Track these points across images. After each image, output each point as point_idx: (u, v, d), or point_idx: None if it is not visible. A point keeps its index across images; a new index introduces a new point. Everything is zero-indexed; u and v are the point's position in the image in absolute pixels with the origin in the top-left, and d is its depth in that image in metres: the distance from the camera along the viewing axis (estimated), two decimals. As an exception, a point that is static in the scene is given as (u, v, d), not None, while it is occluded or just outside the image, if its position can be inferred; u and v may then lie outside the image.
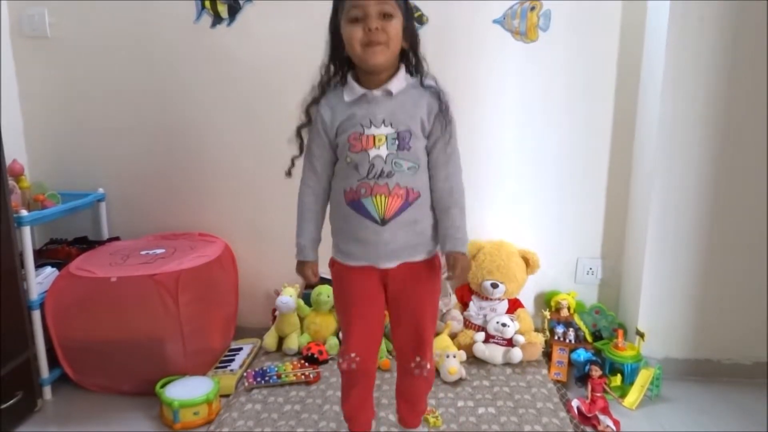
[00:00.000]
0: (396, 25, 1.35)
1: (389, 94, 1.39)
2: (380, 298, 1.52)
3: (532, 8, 2.25)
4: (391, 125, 1.37)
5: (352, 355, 1.52)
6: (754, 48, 2.01)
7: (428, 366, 1.54)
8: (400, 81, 1.40)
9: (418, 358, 1.53)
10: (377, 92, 1.39)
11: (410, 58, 1.44)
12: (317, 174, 1.51)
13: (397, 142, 1.37)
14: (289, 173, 1.55)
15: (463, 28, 2.28)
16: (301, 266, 1.57)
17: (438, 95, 1.41)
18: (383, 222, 1.40)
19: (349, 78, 1.42)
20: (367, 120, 1.38)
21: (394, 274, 1.47)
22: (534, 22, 2.26)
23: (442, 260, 1.50)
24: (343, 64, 1.45)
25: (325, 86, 1.47)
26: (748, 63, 2.02)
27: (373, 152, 1.38)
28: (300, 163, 1.55)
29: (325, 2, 2.24)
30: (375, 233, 1.41)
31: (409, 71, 1.45)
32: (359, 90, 1.40)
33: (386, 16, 1.33)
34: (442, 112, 1.41)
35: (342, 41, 1.39)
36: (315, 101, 1.47)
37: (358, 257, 1.47)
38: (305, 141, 1.51)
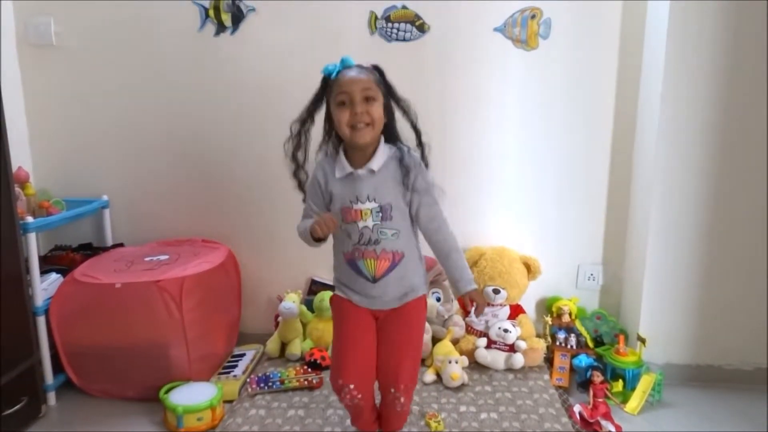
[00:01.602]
0: (378, 108, 1.52)
1: (372, 172, 1.55)
2: (372, 328, 1.64)
3: (533, 16, 2.27)
4: (375, 200, 1.55)
5: (351, 387, 1.58)
6: (754, 53, 2.02)
7: (402, 400, 1.60)
8: (381, 156, 1.56)
9: (392, 390, 1.59)
10: (362, 171, 1.55)
11: (389, 131, 1.60)
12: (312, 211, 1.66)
13: (380, 214, 1.55)
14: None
15: (464, 37, 2.30)
16: (315, 221, 1.56)
17: (408, 171, 1.55)
18: (374, 280, 1.59)
19: (341, 155, 1.59)
20: (354, 196, 1.56)
21: (385, 312, 1.63)
22: (534, 30, 2.28)
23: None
24: (331, 132, 1.62)
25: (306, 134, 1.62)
26: (748, 68, 2.03)
27: (361, 223, 1.56)
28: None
29: (326, 11, 2.30)
30: (369, 288, 1.60)
31: (389, 141, 1.60)
32: (348, 168, 1.56)
33: (369, 100, 1.50)
34: (415, 182, 1.56)
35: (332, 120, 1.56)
36: (298, 165, 1.63)
37: (356, 302, 1.63)
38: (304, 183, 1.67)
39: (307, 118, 1.59)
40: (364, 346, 1.62)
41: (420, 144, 1.61)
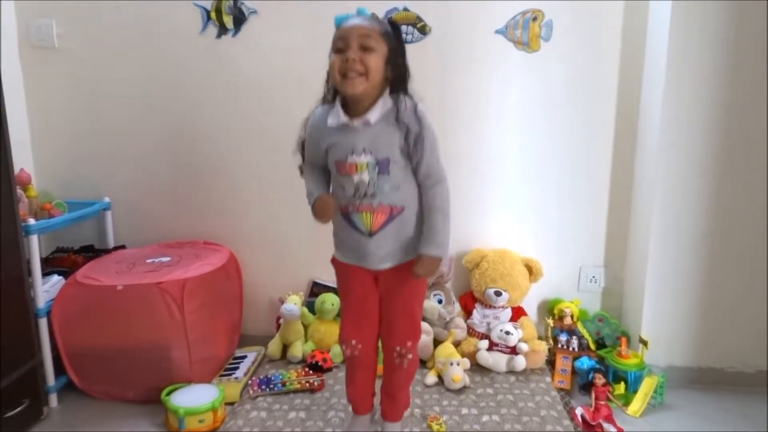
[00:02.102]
0: (376, 59, 1.44)
1: (368, 124, 1.48)
2: (374, 290, 1.65)
3: (534, 18, 2.27)
4: (371, 153, 1.48)
5: (353, 342, 1.66)
6: (755, 54, 2.02)
7: (409, 356, 1.65)
8: (381, 108, 1.48)
9: (398, 347, 1.64)
10: (357, 123, 1.48)
11: (394, 87, 1.52)
12: (316, 166, 1.65)
13: (377, 168, 1.49)
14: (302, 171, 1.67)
15: (466, 39, 2.30)
16: (314, 204, 1.58)
17: (408, 128, 1.48)
18: (370, 234, 1.54)
19: (338, 104, 1.52)
20: (350, 149, 1.49)
21: (384, 274, 1.61)
22: (536, 32, 2.28)
23: None
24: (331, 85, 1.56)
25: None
26: (750, 69, 2.03)
27: (356, 177, 1.50)
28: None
29: (328, 13, 2.28)
30: (364, 243, 1.56)
31: (394, 96, 1.52)
32: (342, 118, 1.49)
33: (367, 49, 1.43)
34: (417, 140, 1.49)
35: None
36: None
37: (352, 260, 1.62)
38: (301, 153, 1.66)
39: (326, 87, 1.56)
40: (366, 307, 1.65)
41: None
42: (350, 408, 1.85)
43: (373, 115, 1.47)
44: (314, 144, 1.57)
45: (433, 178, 1.53)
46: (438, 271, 2.23)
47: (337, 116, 1.50)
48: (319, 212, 1.56)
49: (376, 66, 1.44)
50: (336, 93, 1.55)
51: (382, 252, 1.56)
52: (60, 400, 2.11)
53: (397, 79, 1.51)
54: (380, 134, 1.48)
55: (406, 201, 1.53)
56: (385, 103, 1.49)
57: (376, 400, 1.86)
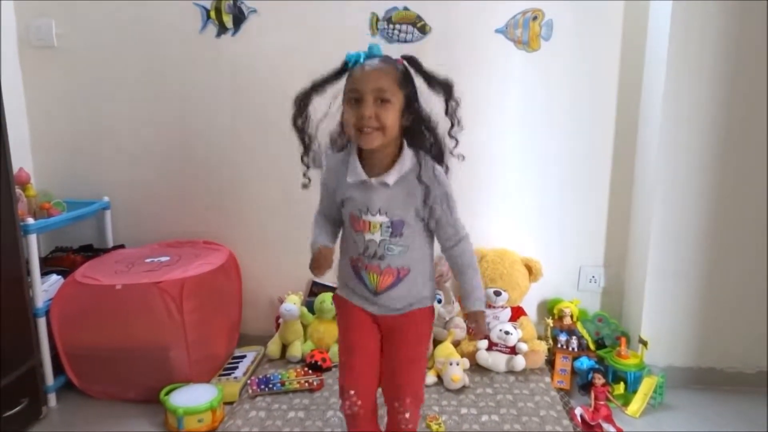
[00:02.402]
0: (392, 112, 1.36)
1: (386, 185, 1.42)
2: (376, 335, 1.55)
3: (534, 18, 2.27)
4: (386, 214, 1.43)
5: (352, 393, 1.50)
6: (756, 54, 2.02)
7: (407, 416, 1.51)
8: (400, 168, 1.42)
9: (396, 404, 1.51)
10: (375, 182, 1.42)
11: (413, 134, 1.44)
12: (328, 216, 1.57)
13: (390, 229, 1.44)
14: (305, 186, 1.55)
15: (466, 38, 2.30)
16: (314, 255, 1.49)
17: (429, 189, 1.42)
18: (376, 294, 1.49)
19: (354, 158, 1.44)
20: (365, 207, 1.44)
21: (386, 320, 1.53)
22: (536, 31, 2.28)
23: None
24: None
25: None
26: (750, 69, 2.03)
27: (368, 236, 1.45)
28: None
29: (328, 13, 2.29)
30: (371, 298, 1.51)
31: (414, 147, 1.45)
32: (361, 176, 1.43)
33: (383, 102, 1.35)
34: (436, 197, 1.43)
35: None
36: (307, 151, 1.51)
37: (358, 305, 1.54)
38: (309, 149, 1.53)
39: (310, 93, 1.46)
40: (367, 353, 1.53)
41: (450, 134, 1.47)
42: None
43: (391, 177, 1.41)
44: (330, 193, 1.52)
45: (459, 235, 1.49)
46: (438, 270, 2.22)
47: (355, 173, 1.44)
48: (315, 264, 1.46)
49: (393, 121, 1.37)
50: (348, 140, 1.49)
51: (388, 309, 1.51)
52: (59, 399, 2.11)
53: (414, 124, 1.43)
54: (397, 195, 1.43)
55: (413, 263, 1.49)
56: (403, 162, 1.42)
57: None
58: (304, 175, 1.53)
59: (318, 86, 1.45)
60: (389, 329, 1.54)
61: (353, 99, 1.36)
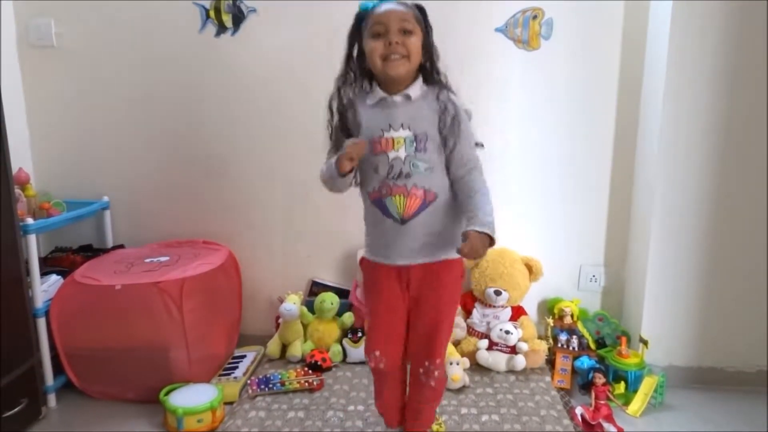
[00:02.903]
0: (415, 41, 1.44)
1: (408, 98, 1.47)
2: (404, 297, 1.56)
3: (534, 17, 2.27)
4: (409, 128, 1.45)
5: (377, 353, 1.58)
6: (756, 53, 2.01)
7: (436, 374, 1.56)
8: (418, 88, 1.48)
9: (426, 363, 1.55)
10: (397, 97, 1.47)
11: (428, 70, 1.52)
12: None
13: (414, 144, 1.45)
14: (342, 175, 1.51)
15: (466, 37, 2.29)
16: (343, 148, 1.45)
17: (446, 107, 1.47)
18: (403, 221, 1.47)
19: (374, 84, 1.50)
20: (387, 123, 1.46)
21: (415, 274, 1.52)
22: (536, 30, 2.27)
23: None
24: (363, 74, 1.53)
25: (343, 88, 1.54)
26: (751, 69, 2.02)
27: (392, 154, 1.46)
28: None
29: (327, 12, 2.29)
30: (396, 232, 1.49)
31: (426, 82, 1.51)
32: (380, 93, 1.48)
33: (406, 32, 1.42)
34: (453, 122, 1.46)
35: (363, 53, 1.48)
36: (335, 98, 1.54)
37: (384, 256, 1.54)
38: (331, 136, 1.57)
39: (348, 57, 1.51)
40: (395, 316, 1.57)
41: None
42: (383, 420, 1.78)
43: (414, 90, 1.47)
44: (345, 127, 1.53)
45: (469, 164, 1.48)
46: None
47: (375, 94, 1.49)
48: (348, 148, 1.41)
49: (417, 48, 1.44)
50: (363, 80, 1.53)
51: (415, 244, 1.49)
52: (59, 399, 2.10)
53: (429, 61, 1.51)
54: (419, 109, 1.47)
55: (438, 188, 1.48)
56: (420, 84, 1.49)
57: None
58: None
59: (348, 57, 1.51)
60: (417, 286, 1.53)
61: (377, 33, 1.42)
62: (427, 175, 1.46)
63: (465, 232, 1.39)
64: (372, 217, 1.53)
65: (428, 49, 1.50)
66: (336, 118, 1.55)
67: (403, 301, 1.56)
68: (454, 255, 1.49)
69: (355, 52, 1.52)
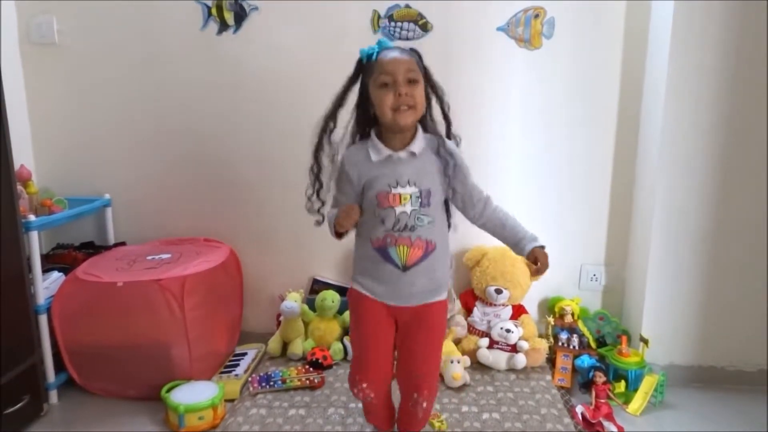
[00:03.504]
0: (421, 90, 1.47)
1: (413, 155, 1.50)
2: (392, 330, 1.60)
3: (536, 16, 2.27)
4: (415, 184, 1.49)
5: (364, 386, 1.59)
6: (758, 53, 2.01)
7: (424, 405, 1.60)
8: (420, 141, 1.51)
9: (415, 395, 1.59)
10: (402, 154, 1.49)
11: (424, 116, 1.54)
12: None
13: (420, 199, 1.49)
14: (319, 223, 1.61)
15: (468, 36, 2.30)
16: (341, 209, 1.52)
17: (447, 162, 1.52)
18: (405, 269, 1.52)
19: (375, 138, 1.52)
20: (394, 180, 1.49)
21: (407, 313, 1.56)
22: (538, 29, 2.27)
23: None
24: (366, 122, 1.55)
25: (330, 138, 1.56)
26: (752, 68, 2.02)
27: (399, 209, 1.49)
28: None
29: (329, 10, 2.29)
30: (397, 278, 1.53)
31: (425, 130, 1.55)
32: (386, 151, 1.50)
33: (412, 82, 1.44)
34: (456, 169, 1.53)
35: (368, 103, 1.50)
36: (320, 151, 1.55)
37: (379, 295, 1.56)
38: (325, 186, 1.59)
39: (338, 105, 1.52)
40: (383, 349, 1.59)
41: (449, 135, 1.58)
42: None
43: (417, 146, 1.50)
44: (349, 183, 1.54)
45: (482, 195, 1.59)
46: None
47: (378, 150, 1.50)
48: (343, 215, 1.49)
49: (422, 98, 1.47)
50: (365, 130, 1.55)
51: (414, 289, 1.53)
52: (60, 396, 2.11)
53: (428, 108, 1.55)
54: (424, 165, 1.51)
55: (438, 238, 1.53)
56: (421, 135, 1.52)
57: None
58: (318, 210, 1.58)
59: (341, 98, 1.53)
60: (406, 322, 1.57)
61: (385, 83, 1.43)
62: (430, 228, 1.51)
63: (533, 251, 1.55)
64: (371, 260, 1.55)
65: (428, 97, 1.52)
66: (333, 172, 1.56)
67: (391, 336, 1.60)
68: (443, 296, 1.58)
69: (348, 97, 1.53)
